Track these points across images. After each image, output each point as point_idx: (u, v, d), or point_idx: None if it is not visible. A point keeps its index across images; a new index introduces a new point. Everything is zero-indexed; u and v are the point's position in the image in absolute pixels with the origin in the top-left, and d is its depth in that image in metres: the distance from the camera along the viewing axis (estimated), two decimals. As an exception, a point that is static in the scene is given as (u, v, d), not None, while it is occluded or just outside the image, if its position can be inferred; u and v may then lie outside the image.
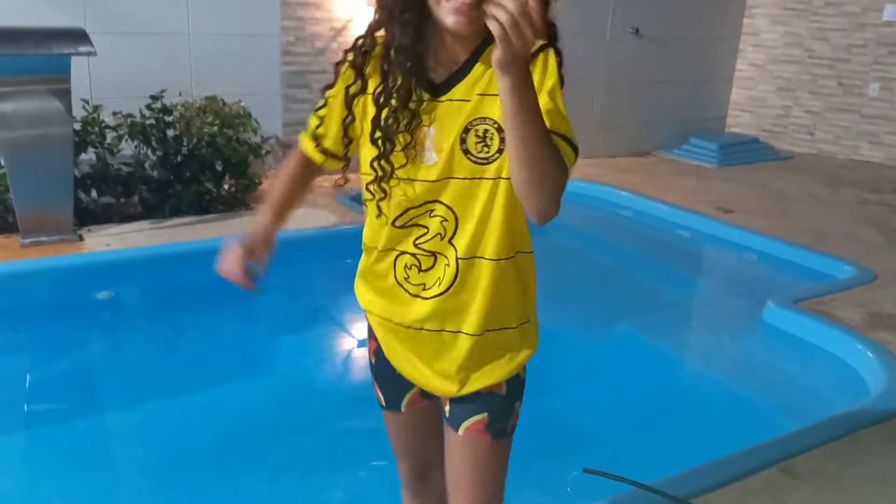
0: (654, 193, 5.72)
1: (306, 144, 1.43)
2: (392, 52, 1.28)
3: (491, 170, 1.29)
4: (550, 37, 1.27)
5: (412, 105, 1.29)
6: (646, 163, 7.16)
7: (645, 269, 4.83)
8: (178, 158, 4.59)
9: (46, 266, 3.70)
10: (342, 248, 4.54)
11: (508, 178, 1.24)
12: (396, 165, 1.32)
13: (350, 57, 1.32)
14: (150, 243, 4.07)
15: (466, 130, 1.29)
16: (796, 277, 4.38)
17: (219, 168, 4.67)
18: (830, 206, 5.75)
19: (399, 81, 1.28)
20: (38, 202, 3.91)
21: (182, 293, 3.92)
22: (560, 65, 1.27)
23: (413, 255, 1.38)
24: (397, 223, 1.36)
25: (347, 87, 1.33)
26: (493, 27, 1.03)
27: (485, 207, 1.31)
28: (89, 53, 3.69)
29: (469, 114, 1.29)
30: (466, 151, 1.29)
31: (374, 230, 1.41)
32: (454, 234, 1.35)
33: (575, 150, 1.25)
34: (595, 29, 6.83)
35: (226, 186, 4.83)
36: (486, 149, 1.29)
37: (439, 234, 1.36)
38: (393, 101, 1.28)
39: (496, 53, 1.07)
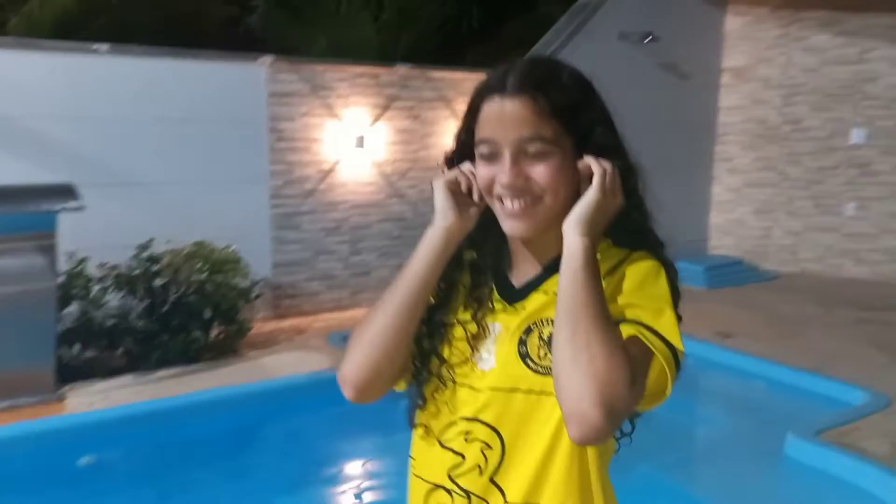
0: (649, 321, 5.63)
1: None
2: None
3: None
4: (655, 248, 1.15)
5: (487, 302, 1.14)
6: (635, 288, 7.13)
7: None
8: (166, 307, 4.44)
9: (22, 433, 3.45)
10: (339, 396, 4.38)
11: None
12: (455, 361, 1.11)
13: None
14: (136, 399, 3.86)
15: (528, 331, 1.08)
16: (810, 405, 4.24)
17: (207, 315, 4.52)
18: (829, 327, 5.70)
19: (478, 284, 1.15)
20: (17, 361, 3.73)
21: (171, 453, 3.67)
22: (671, 279, 1.12)
23: (448, 491, 1.10)
24: (437, 439, 1.12)
25: None
26: (596, 170, 1.05)
27: (546, 437, 1.04)
28: (78, 208, 3.62)
29: (534, 312, 1.09)
30: (525, 356, 1.06)
31: (414, 447, 1.17)
32: (498, 468, 1.06)
33: (676, 361, 1.00)
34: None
35: (214, 333, 4.67)
36: (550, 355, 1.03)
37: (478, 466, 1.07)
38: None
39: (575, 210, 1.03)
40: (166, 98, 5.00)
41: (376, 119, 5.84)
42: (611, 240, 1.14)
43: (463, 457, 1.08)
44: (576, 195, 1.07)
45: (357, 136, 5.73)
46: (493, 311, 1.12)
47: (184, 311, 4.46)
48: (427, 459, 1.14)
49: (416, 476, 1.16)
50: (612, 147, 1.10)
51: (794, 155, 7.85)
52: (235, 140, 5.28)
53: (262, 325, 5.21)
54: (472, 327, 1.11)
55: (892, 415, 3.87)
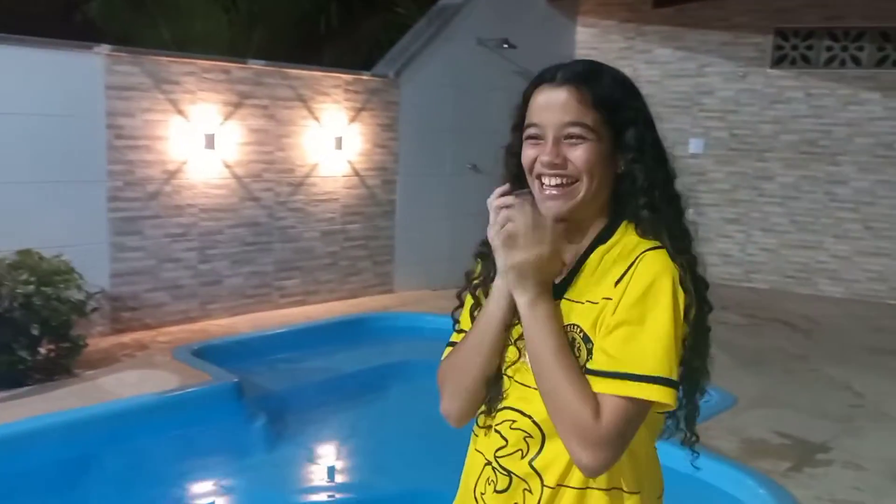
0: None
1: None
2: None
3: None
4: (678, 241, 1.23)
5: None
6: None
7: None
8: (-16, 325, 3.94)
9: None
10: (187, 417, 4.06)
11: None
12: (509, 361, 1.24)
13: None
14: (-52, 432, 3.37)
15: None
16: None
17: (35, 332, 4.06)
18: (674, 328, 5.98)
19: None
20: None
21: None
22: (682, 278, 1.19)
23: (494, 468, 1.24)
24: (491, 422, 1.26)
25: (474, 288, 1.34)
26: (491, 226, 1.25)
27: None
28: None
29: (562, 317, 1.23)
30: None
31: (476, 427, 1.32)
32: (537, 455, 1.20)
33: (670, 386, 1.12)
34: (437, 165, 6.95)
35: (43, 351, 4.20)
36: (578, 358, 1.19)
37: (520, 450, 1.22)
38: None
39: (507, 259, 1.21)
40: (-17, 88, 4.45)
41: (227, 117, 5.50)
42: (636, 226, 1.24)
43: (507, 441, 1.23)
44: (610, 184, 1.23)
45: (206, 134, 5.37)
46: None
47: (7, 328, 3.98)
48: (482, 439, 1.27)
49: (477, 451, 1.29)
50: (639, 149, 1.22)
51: (639, 163, 8.22)
52: (67, 136, 4.78)
53: (99, 342, 4.76)
54: (518, 329, 1.23)
55: (738, 414, 4.09)
